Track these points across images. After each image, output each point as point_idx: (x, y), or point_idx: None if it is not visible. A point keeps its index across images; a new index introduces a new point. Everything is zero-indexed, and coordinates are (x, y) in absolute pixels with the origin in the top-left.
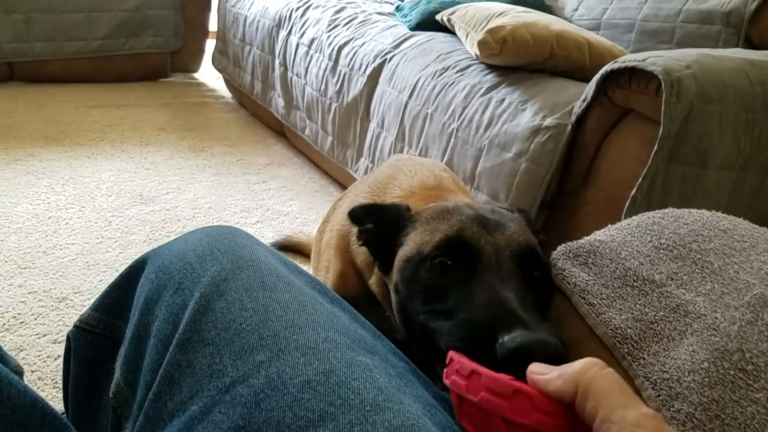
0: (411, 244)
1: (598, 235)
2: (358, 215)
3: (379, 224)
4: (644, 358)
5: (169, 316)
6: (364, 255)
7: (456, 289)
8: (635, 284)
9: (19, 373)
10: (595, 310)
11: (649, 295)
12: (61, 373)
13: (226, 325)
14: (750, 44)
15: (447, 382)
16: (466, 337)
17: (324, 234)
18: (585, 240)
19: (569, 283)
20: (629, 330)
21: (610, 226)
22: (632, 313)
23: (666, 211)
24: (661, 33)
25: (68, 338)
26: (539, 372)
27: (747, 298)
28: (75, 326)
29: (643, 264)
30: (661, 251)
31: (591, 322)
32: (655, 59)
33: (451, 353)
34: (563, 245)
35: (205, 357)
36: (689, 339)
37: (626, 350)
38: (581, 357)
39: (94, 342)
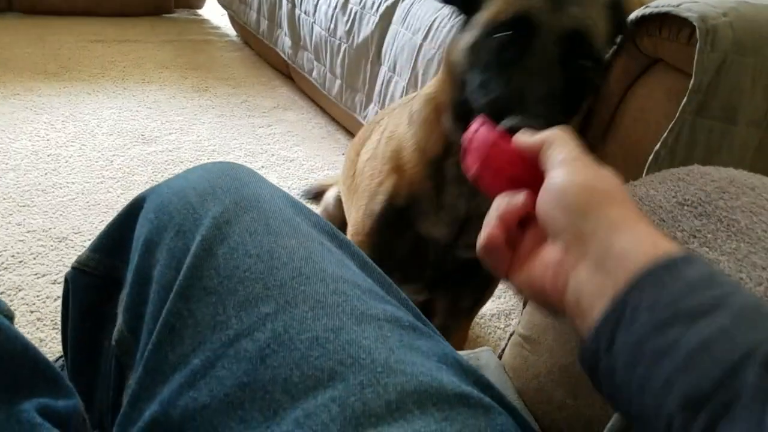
0: (485, 14)
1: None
2: None
3: None
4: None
5: (171, 260)
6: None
7: (507, 66)
8: None
9: (10, 317)
10: None
11: None
12: (59, 313)
13: (229, 272)
14: None
15: (465, 135)
16: (484, 113)
17: (360, 156)
18: None
19: None
20: None
21: (632, 182)
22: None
23: (692, 167)
24: None
25: (66, 280)
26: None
27: None
28: (73, 267)
29: (665, 221)
30: (685, 207)
31: None
32: (691, 5)
33: (478, 118)
34: None
35: (207, 307)
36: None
37: None
38: None
39: (92, 284)
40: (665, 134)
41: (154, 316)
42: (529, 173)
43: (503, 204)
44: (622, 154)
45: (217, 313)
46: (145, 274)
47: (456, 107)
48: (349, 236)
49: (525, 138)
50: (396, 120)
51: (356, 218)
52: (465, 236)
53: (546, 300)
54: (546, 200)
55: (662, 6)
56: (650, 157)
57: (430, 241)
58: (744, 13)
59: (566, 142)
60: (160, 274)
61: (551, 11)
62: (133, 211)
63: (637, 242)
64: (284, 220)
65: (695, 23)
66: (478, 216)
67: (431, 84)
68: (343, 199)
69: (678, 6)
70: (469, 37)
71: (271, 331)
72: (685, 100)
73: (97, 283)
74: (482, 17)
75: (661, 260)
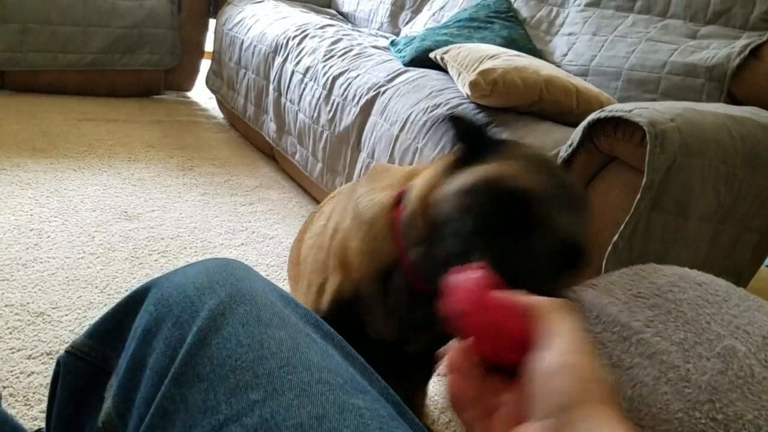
0: (490, 169)
1: (583, 283)
2: (463, 122)
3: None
4: (619, 405)
5: (167, 349)
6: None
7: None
8: (614, 330)
9: None
10: None
11: (627, 340)
12: (32, 390)
13: (221, 360)
14: (732, 98)
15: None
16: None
17: (304, 242)
18: (572, 287)
19: None
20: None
21: (593, 279)
22: (611, 359)
23: (647, 264)
24: (647, 83)
25: (57, 362)
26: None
27: (717, 349)
28: (66, 351)
29: (622, 311)
30: (639, 299)
31: None
32: (641, 111)
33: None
34: None
35: (199, 393)
36: (663, 388)
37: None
38: None
39: (83, 369)
40: (622, 227)
41: (146, 401)
42: (516, 328)
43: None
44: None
45: (208, 398)
46: (139, 362)
47: (420, 237)
48: None
49: (524, 297)
50: (340, 211)
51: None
52: (414, 337)
53: None
54: (538, 379)
55: (616, 111)
56: (609, 248)
57: (376, 339)
58: (690, 118)
59: (565, 318)
60: (155, 361)
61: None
62: (132, 303)
63: None
64: (274, 313)
65: (645, 127)
66: (426, 322)
67: (385, 191)
68: (290, 287)
69: (630, 111)
70: (462, 183)
71: (259, 416)
72: (639, 196)
73: (88, 368)
74: (487, 171)
75: None
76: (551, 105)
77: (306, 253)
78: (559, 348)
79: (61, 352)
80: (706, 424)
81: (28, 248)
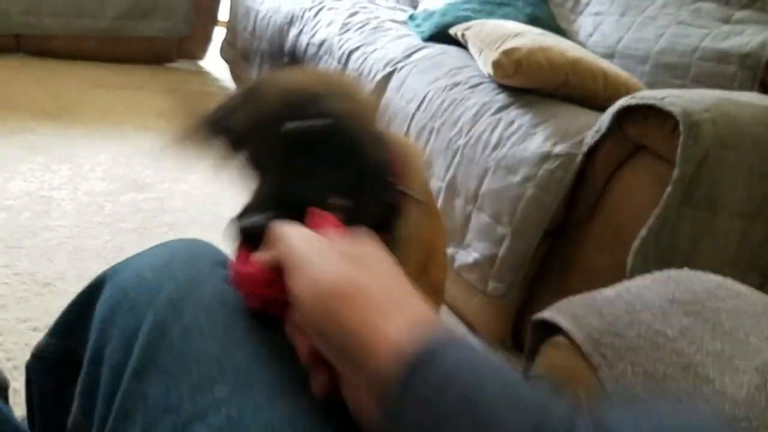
0: None
1: (615, 287)
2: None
3: None
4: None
5: (122, 339)
6: None
7: None
8: (648, 336)
9: (4, 387)
10: (608, 362)
11: (661, 348)
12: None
13: (182, 351)
14: (765, 88)
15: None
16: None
17: None
18: (601, 290)
19: (584, 332)
20: (639, 387)
21: (624, 281)
22: (643, 367)
23: (681, 270)
24: (677, 68)
25: (27, 368)
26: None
27: (756, 363)
28: (32, 356)
29: (656, 317)
30: (675, 305)
31: (602, 375)
32: (675, 99)
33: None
34: (581, 295)
35: (159, 388)
36: (698, 403)
37: None
38: None
39: (51, 369)
40: (651, 220)
41: (105, 399)
42: (278, 287)
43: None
44: (608, 233)
45: (170, 394)
46: (98, 354)
47: None
48: None
49: (259, 256)
50: None
51: None
52: None
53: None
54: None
55: (648, 98)
56: (635, 242)
57: None
58: (725, 110)
59: (287, 236)
60: (110, 352)
61: None
62: (92, 291)
63: (381, 351)
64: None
65: (678, 117)
66: None
67: None
68: None
69: (662, 99)
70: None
71: (226, 415)
72: (669, 188)
73: (55, 367)
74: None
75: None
76: (577, 88)
77: None
78: (294, 274)
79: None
80: None
81: (37, 215)
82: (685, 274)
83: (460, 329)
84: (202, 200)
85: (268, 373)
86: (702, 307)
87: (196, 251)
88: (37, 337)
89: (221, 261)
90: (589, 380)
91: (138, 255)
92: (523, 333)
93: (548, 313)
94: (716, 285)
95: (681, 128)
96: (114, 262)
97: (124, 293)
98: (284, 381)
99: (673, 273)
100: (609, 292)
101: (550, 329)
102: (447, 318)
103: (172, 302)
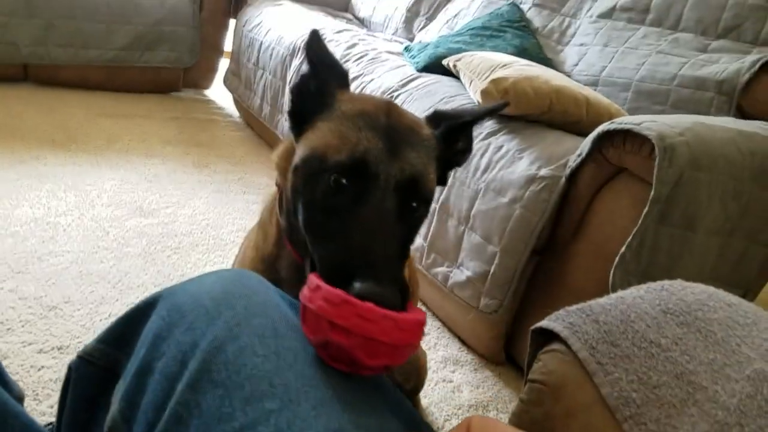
0: (316, 140)
1: (610, 297)
2: (316, 41)
3: (314, 74)
4: (646, 424)
5: (177, 353)
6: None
7: (340, 212)
8: (642, 345)
9: (21, 399)
10: (603, 369)
11: (654, 357)
12: (42, 385)
13: (237, 368)
14: (741, 113)
15: (300, 294)
16: (326, 274)
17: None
18: (597, 300)
19: (581, 340)
20: (633, 393)
21: (620, 291)
22: (637, 375)
23: (674, 281)
24: (657, 94)
25: (69, 368)
26: None
27: (747, 372)
28: (78, 356)
29: (650, 326)
30: (668, 315)
31: (598, 380)
32: (651, 124)
33: (311, 275)
34: (578, 305)
35: (214, 399)
36: (691, 409)
37: (629, 413)
38: (586, 425)
39: (95, 374)
40: (630, 238)
41: (155, 406)
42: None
43: None
44: (592, 251)
45: (224, 405)
46: (147, 366)
47: (286, 224)
48: None
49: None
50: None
51: None
52: None
53: None
54: None
55: (626, 123)
56: (617, 259)
57: None
58: (699, 133)
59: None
60: (164, 365)
61: (389, 159)
62: (144, 309)
63: None
64: (290, 325)
65: (654, 141)
66: None
67: (272, 188)
68: None
69: (639, 124)
70: (296, 157)
71: (275, 426)
72: (646, 209)
73: (99, 373)
74: (310, 142)
75: None
76: (561, 114)
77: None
78: None
79: (74, 357)
80: None
81: (44, 241)
82: (678, 284)
83: (454, 345)
84: (206, 224)
85: (315, 391)
86: (694, 317)
87: (246, 283)
88: (41, 360)
89: (272, 291)
90: (585, 386)
91: (191, 281)
92: (513, 348)
93: (546, 322)
94: (708, 296)
95: (656, 151)
96: (119, 286)
97: (181, 314)
98: (329, 398)
99: (666, 284)
100: (605, 301)
101: (549, 337)
102: (442, 335)
103: (230, 327)
